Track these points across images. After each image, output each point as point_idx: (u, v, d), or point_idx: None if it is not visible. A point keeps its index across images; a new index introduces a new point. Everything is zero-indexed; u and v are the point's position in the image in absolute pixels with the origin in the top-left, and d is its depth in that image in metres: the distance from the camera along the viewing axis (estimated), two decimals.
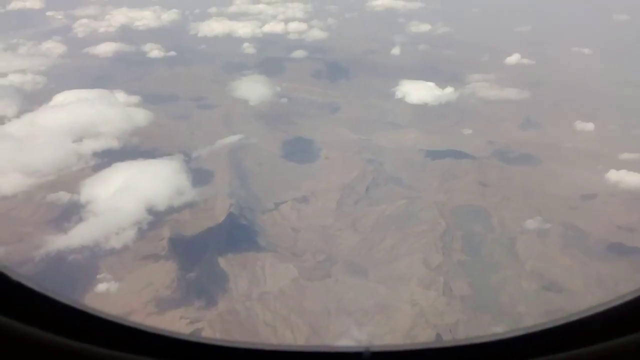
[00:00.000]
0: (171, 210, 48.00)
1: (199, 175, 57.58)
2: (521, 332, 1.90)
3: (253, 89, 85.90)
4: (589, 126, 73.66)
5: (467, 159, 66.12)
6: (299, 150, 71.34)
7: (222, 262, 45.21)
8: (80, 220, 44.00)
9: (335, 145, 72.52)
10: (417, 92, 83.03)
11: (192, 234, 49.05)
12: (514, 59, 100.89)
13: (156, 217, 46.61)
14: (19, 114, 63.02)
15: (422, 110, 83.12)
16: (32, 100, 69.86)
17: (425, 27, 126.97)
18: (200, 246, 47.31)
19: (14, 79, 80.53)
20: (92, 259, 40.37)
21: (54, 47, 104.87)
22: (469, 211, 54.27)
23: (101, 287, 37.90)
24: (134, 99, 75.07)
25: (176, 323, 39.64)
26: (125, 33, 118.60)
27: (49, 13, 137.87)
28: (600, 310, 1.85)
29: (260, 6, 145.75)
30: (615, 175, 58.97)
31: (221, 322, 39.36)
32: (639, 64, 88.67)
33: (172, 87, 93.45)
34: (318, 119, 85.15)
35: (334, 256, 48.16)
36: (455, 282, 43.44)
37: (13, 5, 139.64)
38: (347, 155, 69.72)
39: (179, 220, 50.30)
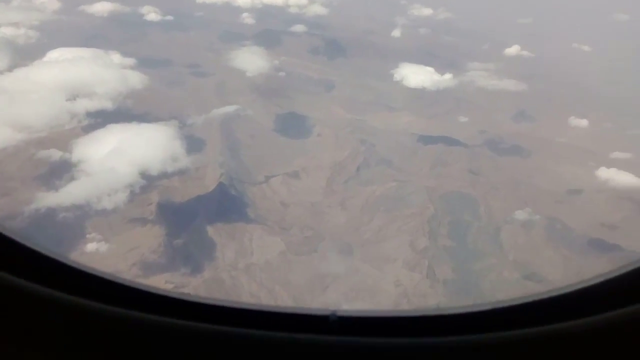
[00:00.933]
0: (162, 175, 47.89)
1: (191, 143, 57.28)
2: (488, 307, 1.93)
3: (251, 60, 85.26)
4: (583, 123, 74.23)
5: (459, 146, 66.56)
6: (292, 126, 71.19)
7: (210, 230, 45.40)
8: (72, 179, 43.78)
9: (329, 123, 72.46)
10: (416, 76, 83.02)
11: (180, 200, 49.06)
12: (513, 50, 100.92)
13: (147, 182, 46.49)
14: (11, 67, 61.88)
15: (419, 95, 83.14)
16: (25, 54, 68.40)
17: (427, 11, 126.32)
18: (188, 213, 47.36)
19: (7, 31, 78.70)
20: (81, 219, 40.27)
21: (48, 2, 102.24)
22: (458, 198, 54.91)
23: (90, 246, 37.93)
24: (129, 61, 73.98)
25: (160, 287, 39.95)
26: None
27: None
28: (581, 287, 1.89)
29: None
30: (605, 173, 59.74)
31: (206, 290, 39.67)
32: (636, 65, 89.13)
33: (167, 52, 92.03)
34: (313, 95, 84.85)
35: (321, 233, 48.57)
36: (440, 266, 44.16)
37: None
38: (340, 134, 69.80)
39: (168, 186, 50.19)
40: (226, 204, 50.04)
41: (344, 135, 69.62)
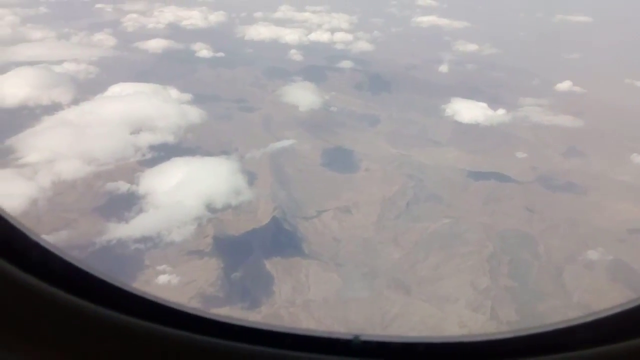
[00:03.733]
0: (227, 208, 48.54)
1: (246, 177, 57.93)
2: (518, 334, 1.90)
3: (302, 96, 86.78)
4: None
5: (511, 182, 65.34)
6: (339, 160, 71.45)
7: (267, 265, 45.36)
8: (141, 211, 44.93)
9: (375, 158, 72.43)
10: (469, 111, 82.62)
11: (235, 234, 49.31)
12: (565, 85, 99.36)
13: (212, 214, 47.15)
14: (74, 102, 64.57)
15: (465, 130, 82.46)
16: (87, 89, 71.46)
17: (472, 47, 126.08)
18: (244, 247, 47.49)
19: (68, 67, 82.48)
20: (151, 251, 40.99)
21: (105, 39, 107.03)
22: (516, 236, 53.47)
23: (162, 278, 38.50)
24: (186, 96, 76.26)
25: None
26: (174, 31, 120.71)
27: (98, 5, 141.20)
28: (605, 315, 1.88)
29: (306, 14, 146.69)
30: None
31: None
32: None
33: (216, 88, 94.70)
34: (358, 130, 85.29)
35: (376, 270, 47.86)
36: (503, 307, 42.75)
37: None
38: (387, 169, 69.53)
39: (222, 219, 50.57)
40: (281, 238, 50.08)
41: (391, 170, 69.29)
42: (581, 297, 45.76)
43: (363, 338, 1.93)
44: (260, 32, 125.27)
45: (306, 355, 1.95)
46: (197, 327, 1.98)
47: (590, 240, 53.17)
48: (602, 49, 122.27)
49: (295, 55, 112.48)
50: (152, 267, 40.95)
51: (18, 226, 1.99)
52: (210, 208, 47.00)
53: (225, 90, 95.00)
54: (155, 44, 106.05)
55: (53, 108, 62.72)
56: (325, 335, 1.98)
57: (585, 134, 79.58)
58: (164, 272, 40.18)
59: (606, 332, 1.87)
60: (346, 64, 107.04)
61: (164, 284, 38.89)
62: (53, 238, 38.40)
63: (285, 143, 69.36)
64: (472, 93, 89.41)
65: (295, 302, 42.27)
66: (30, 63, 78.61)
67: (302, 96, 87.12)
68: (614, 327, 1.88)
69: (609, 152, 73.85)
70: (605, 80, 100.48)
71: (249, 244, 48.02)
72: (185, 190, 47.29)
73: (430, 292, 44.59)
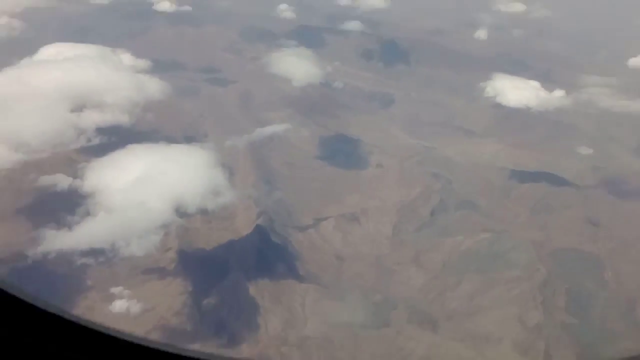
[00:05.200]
0: (197, 212, 48.49)
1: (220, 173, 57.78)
2: None
3: (293, 66, 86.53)
4: None
5: (568, 186, 65.76)
6: (343, 152, 71.55)
7: (251, 289, 45.31)
8: (88, 214, 44.68)
9: (390, 151, 72.67)
10: (516, 91, 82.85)
11: (206, 247, 49.22)
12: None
13: (184, 221, 47.15)
14: None
15: (509, 116, 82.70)
16: (10, 50, 70.68)
17: (518, 7, 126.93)
18: (218, 265, 47.37)
19: None
20: (95, 268, 40.82)
21: None
22: (575, 257, 53.91)
23: (119, 305, 38.36)
24: (142, 63, 75.82)
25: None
26: None
27: None
28: None
29: None
30: None
31: None
32: None
33: (180, 53, 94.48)
34: (366, 113, 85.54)
35: (393, 298, 48.03)
36: (560, 350, 43.08)
37: None
38: (405, 165, 69.85)
39: (188, 227, 50.38)
40: (267, 255, 49.93)
41: (410, 167, 69.61)
42: None
43: None
44: None
45: None
46: None
47: None
48: None
49: (286, 11, 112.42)
50: (101, 288, 40.78)
51: None
52: (180, 212, 46.76)
53: (192, 57, 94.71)
54: None
55: None
56: None
57: None
58: (120, 297, 39.87)
59: None
60: (353, 25, 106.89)
61: (121, 312, 38.70)
62: None
63: (273, 129, 68.99)
64: (519, 68, 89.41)
65: (287, 340, 42.32)
66: None
67: (295, 67, 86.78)
68: None
69: None
70: None
71: (224, 262, 47.91)
72: (148, 188, 47.20)
73: (464, 330, 44.77)
